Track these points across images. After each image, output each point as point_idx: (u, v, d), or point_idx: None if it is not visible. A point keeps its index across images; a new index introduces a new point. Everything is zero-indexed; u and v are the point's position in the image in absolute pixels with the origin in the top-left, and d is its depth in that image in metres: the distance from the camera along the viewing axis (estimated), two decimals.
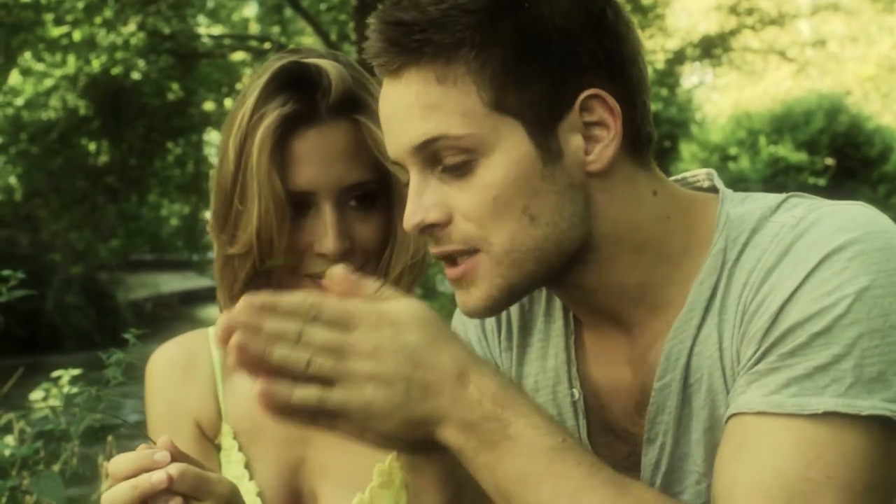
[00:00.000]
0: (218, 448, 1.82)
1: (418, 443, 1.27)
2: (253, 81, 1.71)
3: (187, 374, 1.83)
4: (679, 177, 1.51)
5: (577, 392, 1.48)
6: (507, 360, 1.56)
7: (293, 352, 1.20)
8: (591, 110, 1.31)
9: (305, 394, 1.20)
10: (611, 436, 1.46)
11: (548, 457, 1.23)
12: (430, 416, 1.23)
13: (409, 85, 1.31)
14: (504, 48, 1.29)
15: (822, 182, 21.19)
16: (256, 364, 1.20)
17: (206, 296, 24.93)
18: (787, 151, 21.99)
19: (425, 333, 1.23)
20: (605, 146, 1.32)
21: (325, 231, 1.65)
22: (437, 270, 9.90)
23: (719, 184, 1.45)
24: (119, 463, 1.38)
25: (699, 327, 1.36)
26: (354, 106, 1.67)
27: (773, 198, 1.40)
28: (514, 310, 1.54)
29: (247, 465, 1.78)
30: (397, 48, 1.31)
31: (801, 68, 24.85)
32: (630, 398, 1.44)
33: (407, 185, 1.39)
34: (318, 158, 1.65)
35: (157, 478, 1.35)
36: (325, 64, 1.69)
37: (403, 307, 1.24)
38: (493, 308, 1.38)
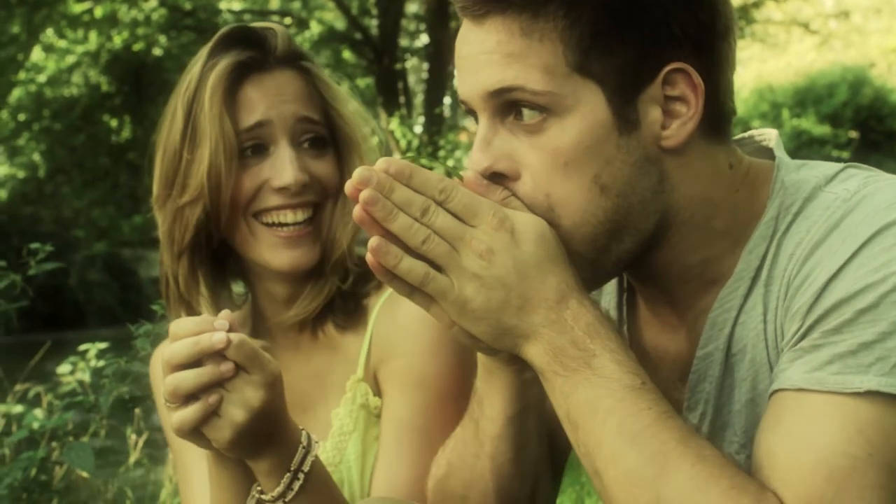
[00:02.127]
0: None
1: (504, 349, 1.29)
2: (195, 59, 1.81)
3: None
4: (746, 134, 1.47)
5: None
6: None
7: (413, 225, 1.23)
8: (674, 84, 1.28)
9: (411, 267, 1.24)
10: None
11: (623, 394, 1.24)
12: (520, 329, 1.26)
13: (492, 32, 1.29)
14: (595, 10, 1.26)
15: (845, 155, 21.01)
16: (377, 224, 1.23)
17: None
18: (810, 124, 21.81)
19: (540, 250, 1.25)
20: (684, 123, 1.29)
21: (283, 165, 1.73)
22: None
23: (778, 149, 1.42)
24: (182, 323, 1.46)
25: (745, 297, 1.35)
26: (300, 56, 1.80)
27: (829, 167, 1.38)
28: None
29: None
30: None
31: (825, 40, 24.61)
32: (674, 366, 1.44)
33: (465, 131, 1.40)
34: (271, 96, 1.75)
35: (218, 338, 1.41)
36: (271, 24, 1.83)
37: (528, 219, 1.26)
38: (588, 287, 1.34)
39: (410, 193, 1.23)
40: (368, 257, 1.24)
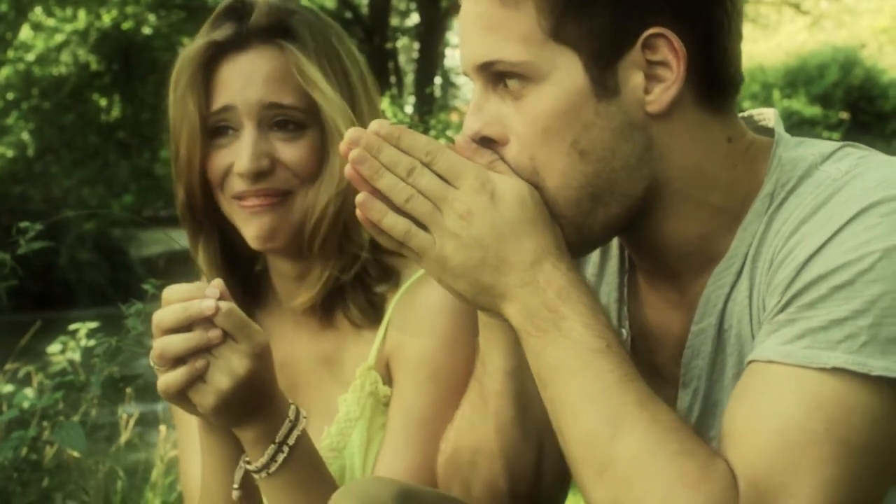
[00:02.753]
0: None
1: (484, 307, 1.35)
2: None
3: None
4: (745, 114, 1.48)
5: (625, 332, 1.49)
6: None
7: (398, 184, 1.29)
8: (654, 49, 1.29)
9: (394, 223, 1.30)
10: (657, 378, 1.46)
11: (587, 356, 1.27)
12: (496, 289, 1.30)
13: (478, 2, 1.34)
14: None
15: (836, 136, 21.00)
16: (365, 181, 1.30)
17: None
18: (801, 105, 21.80)
19: (519, 212, 1.29)
20: (666, 88, 1.30)
21: (241, 150, 1.71)
22: None
23: (778, 126, 1.43)
24: (173, 289, 1.49)
25: (738, 273, 1.36)
26: (282, 33, 1.74)
27: (827, 145, 1.38)
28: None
29: None
30: None
31: (816, 21, 24.60)
32: (677, 343, 1.45)
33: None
34: (239, 78, 1.72)
35: (207, 304, 1.44)
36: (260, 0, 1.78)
37: (509, 182, 1.31)
38: (576, 251, 1.39)
39: (398, 154, 1.29)
40: (357, 212, 1.30)
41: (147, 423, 4.37)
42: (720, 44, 1.33)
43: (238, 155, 1.71)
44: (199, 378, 1.46)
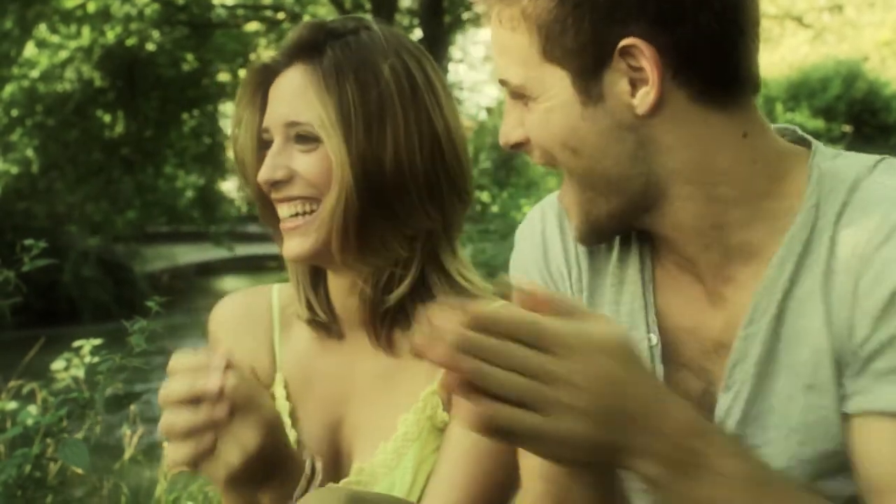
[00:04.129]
0: (272, 397, 1.86)
1: (605, 468, 1.29)
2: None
3: (247, 323, 1.93)
4: (779, 126, 1.51)
5: (654, 337, 1.49)
6: (578, 300, 1.57)
7: (500, 374, 1.14)
8: (633, 56, 1.34)
9: (510, 416, 1.15)
10: (685, 372, 1.47)
11: (745, 486, 1.23)
12: (624, 446, 1.19)
13: (493, 22, 1.42)
14: None
15: (839, 149, 21.03)
16: (468, 385, 1.15)
17: (223, 267, 24.97)
18: (803, 118, 21.82)
19: (627, 362, 1.20)
20: (647, 92, 1.35)
21: (265, 162, 1.78)
22: None
23: (814, 140, 1.47)
24: (179, 360, 1.46)
25: (792, 281, 1.38)
26: (306, 54, 1.78)
27: (865, 157, 1.43)
28: (583, 253, 1.57)
29: (291, 414, 1.85)
30: None
31: (818, 34, 24.64)
32: (708, 337, 1.46)
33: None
34: (273, 99, 1.79)
35: (213, 384, 1.42)
36: (312, 21, 1.85)
37: (608, 333, 1.20)
38: (586, 235, 1.47)
39: (493, 344, 1.15)
40: (469, 422, 1.17)
41: (151, 439, 4.36)
42: (713, 45, 1.35)
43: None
44: (208, 452, 1.43)
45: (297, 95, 1.76)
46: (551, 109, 1.39)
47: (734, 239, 1.42)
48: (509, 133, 1.46)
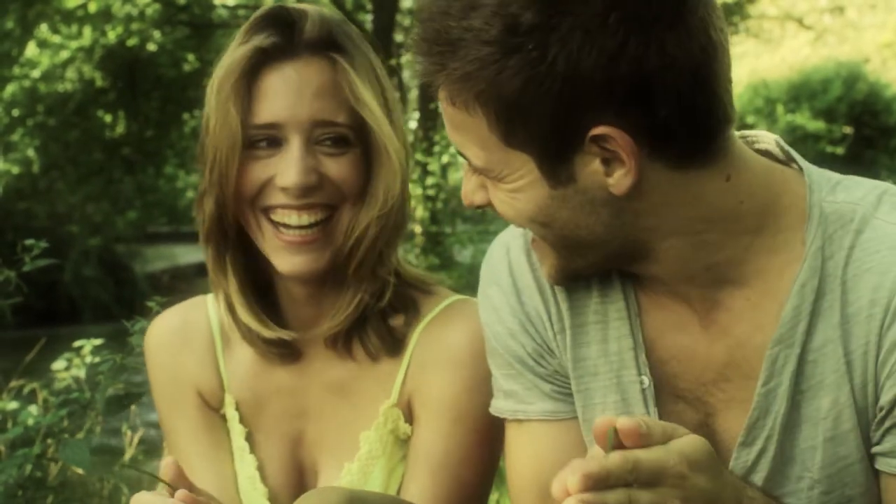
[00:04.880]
0: (223, 418, 1.80)
1: None
2: (238, 31, 1.71)
3: (186, 343, 1.81)
4: (738, 134, 1.44)
5: (646, 380, 1.47)
6: (560, 342, 1.53)
7: None
8: (606, 141, 1.28)
9: None
10: (681, 404, 1.46)
11: None
12: None
13: (440, 97, 1.34)
14: (512, 86, 1.26)
15: (839, 151, 21.02)
16: None
17: None
18: (804, 120, 21.80)
19: (714, 471, 1.25)
20: (624, 175, 1.29)
21: (288, 164, 1.63)
22: (454, 240, 9.90)
23: (802, 162, 1.42)
24: (140, 501, 1.48)
25: (809, 333, 1.36)
26: (333, 46, 1.66)
27: (867, 188, 1.38)
28: (561, 291, 1.52)
29: (247, 438, 1.78)
30: (423, 59, 1.33)
31: (819, 36, 24.62)
32: (706, 368, 1.44)
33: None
34: (289, 91, 1.64)
35: None
36: (308, 7, 1.70)
37: (696, 448, 1.23)
38: (561, 279, 1.45)
39: (613, 497, 1.17)
40: None
41: (151, 440, 4.36)
42: (686, 118, 1.29)
43: (283, 168, 1.64)
44: None
45: (326, 93, 1.65)
46: (517, 190, 1.33)
47: (726, 274, 1.39)
48: (472, 196, 1.40)
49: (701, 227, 1.35)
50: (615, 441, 1.19)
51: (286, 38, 1.66)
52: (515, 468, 1.59)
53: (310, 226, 1.66)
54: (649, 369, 1.46)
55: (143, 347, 1.88)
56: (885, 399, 1.32)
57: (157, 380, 1.84)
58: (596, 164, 1.29)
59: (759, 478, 1.41)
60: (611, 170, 1.29)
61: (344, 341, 1.74)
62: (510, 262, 1.55)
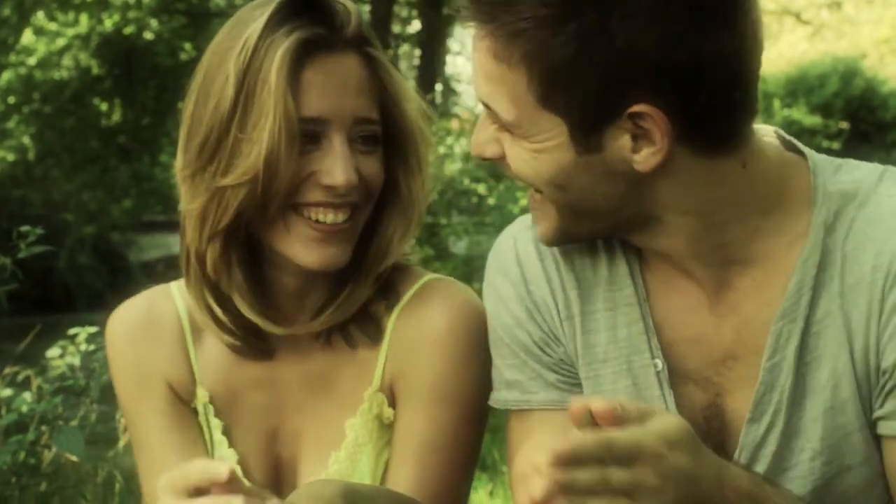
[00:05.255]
0: (195, 412, 1.76)
1: None
2: (246, 16, 1.61)
3: (152, 333, 1.75)
4: None
5: (659, 363, 1.48)
6: (569, 329, 1.54)
7: (601, 500, 1.18)
8: (641, 119, 1.30)
9: None
10: (690, 385, 1.47)
11: None
12: None
13: (480, 47, 1.34)
14: (562, 48, 1.28)
15: (835, 146, 21.00)
16: None
17: None
18: (801, 115, 21.80)
19: (693, 449, 1.25)
20: (653, 154, 1.32)
21: (334, 162, 1.59)
22: (449, 231, 9.90)
23: (804, 148, 1.45)
24: (186, 474, 1.37)
25: (811, 306, 1.38)
26: (366, 41, 1.64)
27: (869, 169, 1.41)
28: (569, 278, 1.53)
29: (224, 431, 1.74)
30: (471, 9, 1.34)
31: (817, 31, 24.61)
32: (714, 348, 1.46)
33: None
34: (334, 86, 1.59)
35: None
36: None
37: (673, 427, 1.24)
38: (556, 241, 1.46)
39: (587, 473, 1.18)
40: None
41: None
42: (721, 108, 1.33)
43: (329, 166, 1.58)
44: None
45: (365, 89, 1.63)
46: (542, 150, 1.35)
47: (733, 254, 1.41)
48: (484, 146, 1.41)
49: (712, 208, 1.38)
50: (591, 423, 1.19)
51: (326, 29, 1.60)
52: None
53: (342, 222, 1.63)
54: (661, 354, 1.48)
55: (105, 338, 1.81)
56: (886, 362, 1.34)
57: (122, 372, 1.77)
58: (625, 140, 1.32)
59: (768, 452, 1.42)
60: (638, 147, 1.32)
61: (327, 333, 1.72)
62: (518, 253, 1.57)
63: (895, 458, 1.37)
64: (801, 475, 1.42)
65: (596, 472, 1.17)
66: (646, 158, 1.32)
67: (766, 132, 1.47)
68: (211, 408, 1.74)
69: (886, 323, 1.33)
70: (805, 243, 1.38)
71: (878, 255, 1.34)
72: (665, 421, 1.23)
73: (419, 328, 1.69)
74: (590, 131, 1.32)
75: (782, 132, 1.48)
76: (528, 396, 1.57)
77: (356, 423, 1.71)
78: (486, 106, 1.38)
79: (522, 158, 1.37)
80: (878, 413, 1.38)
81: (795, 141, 1.47)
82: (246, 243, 1.66)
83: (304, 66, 1.58)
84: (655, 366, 1.48)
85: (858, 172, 1.41)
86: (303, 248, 1.62)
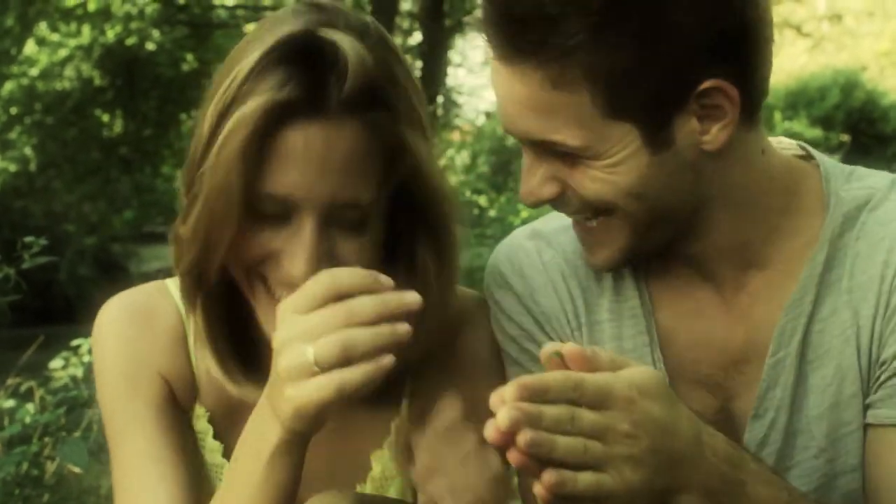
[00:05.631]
0: (188, 422, 1.56)
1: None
2: (251, 41, 1.37)
3: (150, 325, 1.55)
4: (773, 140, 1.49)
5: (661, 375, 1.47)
6: (578, 338, 1.53)
7: (569, 442, 1.13)
8: (709, 96, 1.29)
9: (573, 480, 1.13)
10: (700, 390, 1.47)
11: None
12: (673, 484, 1.21)
13: (522, 81, 1.27)
14: (621, 51, 1.25)
15: (836, 158, 21.05)
16: (530, 461, 1.12)
17: None
18: (801, 127, 21.81)
19: (667, 401, 1.21)
20: (722, 128, 1.31)
21: (296, 251, 1.35)
22: None
23: (815, 153, 1.46)
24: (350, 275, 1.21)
25: (815, 303, 1.38)
26: (372, 102, 1.34)
27: (880, 176, 1.42)
28: (575, 286, 1.52)
29: (225, 454, 1.54)
30: (511, 45, 1.27)
31: (817, 43, 24.62)
32: (725, 351, 1.45)
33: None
34: (311, 162, 1.32)
35: (412, 298, 1.20)
36: (346, 42, 1.33)
37: (646, 377, 1.20)
38: (620, 262, 1.42)
39: (554, 411, 1.13)
40: (544, 497, 1.13)
41: None
42: (762, 71, 1.34)
43: (293, 254, 1.36)
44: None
45: (354, 166, 1.35)
46: (617, 163, 1.31)
47: (753, 254, 1.42)
48: (539, 191, 1.36)
49: (741, 198, 1.38)
50: (562, 367, 1.17)
51: (314, 88, 1.32)
52: None
53: None
54: (669, 359, 1.48)
55: (94, 331, 1.59)
56: (886, 353, 1.34)
57: (112, 367, 1.54)
58: (693, 123, 1.30)
59: (771, 450, 1.43)
60: (706, 127, 1.31)
61: None
62: (520, 265, 1.54)
63: (874, 446, 1.36)
64: (804, 473, 1.42)
65: (566, 410, 1.13)
66: (716, 135, 1.31)
67: (786, 144, 1.50)
68: (209, 428, 1.56)
69: (892, 316, 1.34)
70: (817, 247, 1.39)
71: (889, 252, 1.35)
72: (638, 370, 1.20)
73: (442, 343, 1.52)
74: (661, 127, 1.30)
75: (791, 140, 1.51)
76: None
77: (384, 456, 1.56)
78: (538, 143, 1.32)
79: (598, 180, 1.32)
80: (867, 401, 1.38)
81: (805, 145, 1.49)
82: (221, 287, 1.46)
83: (277, 132, 1.32)
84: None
85: (870, 179, 1.42)
86: (266, 320, 1.41)
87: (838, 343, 1.38)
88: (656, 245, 1.41)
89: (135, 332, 1.55)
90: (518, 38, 1.26)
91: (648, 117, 1.28)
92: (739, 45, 1.29)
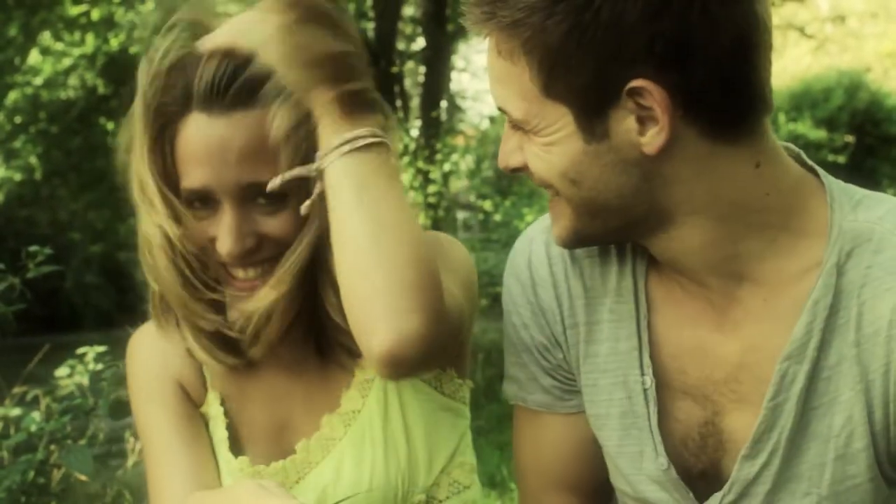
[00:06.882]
0: (204, 418, 1.68)
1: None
2: (151, 55, 1.58)
3: (162, 342, 1.69)
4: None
5: (648, 380, 1.48)
6: (572, 337, 1.55)
7: None
8: (642, 96, 1.29)
9: None
10: (688, 400, 1.47)
11: None
12: None
13: (490, 48, 1.37)
14: (557, 34, 1.28)
15: (841, 160, 21.02)
16: None
17: None
18: (806, 129, 21.79)
19: None
20: (657, 133, 1.31)
21: (221, 232, 1.52)
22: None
23: (824, 175, 1.43)
24: None
25: (821, 349, 1.36)
26: (259, 94, 1.49)
27: (889, 207, 1.38)
28: (576, 285, 1.54)
29: (228, 428, 1.66)
30: (473, 12, 1.36)
31: (821, 45, 24.63)
32: (717, 366, 1.44)
33: None
34: (211, 155, 1.49)
35: None
36: (214, 47, 1.52)
37: None
38: (571, 243, 1.45)
39: None
40: None
41: None
42: (723, 82, 1.31)
43: (221, 236, 1.52)
44: None
45: (252, 151, 1.50)
46: (552, 143, 1.35)
47: (745, 267, 1.40)
48: (508, 157, 1.42)
49: (725, 211, 1.36)
50: None
51: (197, 90, 1.50)
52: (519, 449, 1.66)
53: (255, 277, 1.55)
54: (658, 366, 1.48)
55: (128, 354, 1.75)
56: None
57: (139, 379, 1.70)
58: (631, 122, 1.31)
59: (762, 490, 1.41)
60: (644, 129, 1.31)
61: (315, 344, 1.65)
62: (530, 255, 1.58)
63: None
64: None
65: None
66: (652, 139, 1.31)
67: (792, 150, 1.46)
68: (221, 409, 1.67)
69: None
70: (816, 281, 1.36)
71: (894, 309, 1.32)
72: None
73: None
74: (594, 116, 1.32)
75: (803, 155, 1.46)
76: (524, 395, 1.62)
77: (352, 395, 1.62)
78: (503, 112, 1.39)
79: (536, 155, 1.37)
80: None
81: (816, 166, 1.45)
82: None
83: (182, 129, 1.51)
84: (644, 383, 1.48)
85: (877, 211, 1.38)
86: (231, 297, 1.58)
87: (848, 394, 1.36)
88: (605, 234, 1.42)
89: (158, 348, 1.69)
90: (480, 5, 1.35)
91: (581, 103, 1.31)
92: (677, 51, 1.28)
